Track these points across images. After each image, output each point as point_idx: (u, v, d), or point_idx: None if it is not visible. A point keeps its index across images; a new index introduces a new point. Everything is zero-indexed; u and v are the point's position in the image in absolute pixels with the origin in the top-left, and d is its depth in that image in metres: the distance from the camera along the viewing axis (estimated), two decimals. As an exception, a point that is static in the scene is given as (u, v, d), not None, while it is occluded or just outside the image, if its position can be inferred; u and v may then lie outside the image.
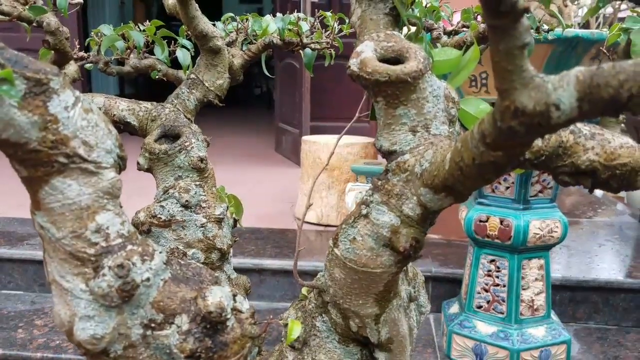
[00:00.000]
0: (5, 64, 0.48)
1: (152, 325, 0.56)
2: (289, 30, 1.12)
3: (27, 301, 2.34)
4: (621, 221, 3.07)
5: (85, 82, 5.92)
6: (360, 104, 0.93)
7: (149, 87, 8.47)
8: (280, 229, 2.80)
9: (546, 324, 1.77)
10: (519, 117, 0.43)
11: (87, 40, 1.18)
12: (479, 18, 1.07)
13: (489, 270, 1.78)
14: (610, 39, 0.87)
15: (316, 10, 1.27)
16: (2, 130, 0.48)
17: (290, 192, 3.48)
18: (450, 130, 0.66)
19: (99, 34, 1.15)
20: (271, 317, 0.88)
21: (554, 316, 1.83)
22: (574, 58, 1.68)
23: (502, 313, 1.76)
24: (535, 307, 1.75)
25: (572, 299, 2.20)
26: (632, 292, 2.17)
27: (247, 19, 1.23)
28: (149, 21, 1.15)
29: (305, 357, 0.74)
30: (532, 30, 1.11)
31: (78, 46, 1.17)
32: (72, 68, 1.05)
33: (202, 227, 0.86)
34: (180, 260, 0.61)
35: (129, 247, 0.55)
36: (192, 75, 1.03)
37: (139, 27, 1.16)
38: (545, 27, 1.07)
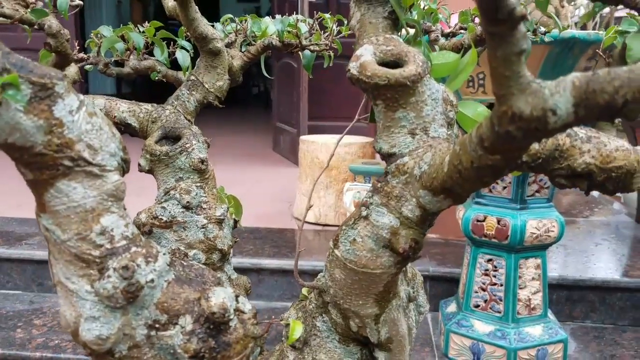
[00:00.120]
0: (11, 68, 0.49)
1: (157, 325, 0.57)
2: (288, 32, 1.13)
3: (26, 301, 2.35)
4: (618, 220, 3.08)
5: (83, 81, 5.91)
6: (359, 106, 0.94)
7: (145, 86, 8.47)
8: (279, 229, 2.81)
9: (543, 323, 1.78)
10: (517, 122, 0.44)
11: (87, 41, 1.19)
12: (477, 20, 1.08)
13: (486, 270, 1.79)
14: (606, 41, 0.88)
15: (315, 11, 1.28)
16: (8, 135, 0.49)
17: (288, 192, 3.49)
18: (449, 132, 0.67)
19: (99, 36, 1.16)
20: (273, 317, 0.89)
21: (550, 315, 1.84)
22: (571, 59, 1.69)
23: (500, 312, 1.77)
24: (532, 306, 1.77)
25: (568, 298, 2.21)
26: (628, 291, 2.18)
27: (245, 20, 1.23)
28: (146, 20, 1.16)
29: (306, 356, 0.75)
30: (529, 33, 1.12)
31: (78, 47, 1.18)
32: (72, 70, 1.05)
33: (203, 228, 0.87)
34: (183, 262, 0.62)
35: (133, 248, 0.56)
36: (192, 77, 1.04)
37: (138, 28, 1.17)
38: (542, 29, 1.08)
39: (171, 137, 0.93)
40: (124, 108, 0.98)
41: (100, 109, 0.97)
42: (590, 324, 2.21)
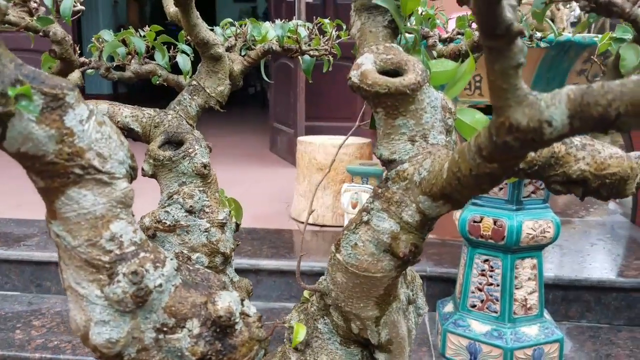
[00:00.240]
0: (24, 80, 0.50)
1: (165, 329, 0.58)
2: (288, 37, 1.15)
3: (24, 302, 2.36)
4: (613, 220, 3.11)
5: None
6: (358, 108, 0.96)
7: (141, 87, 8.46)
8: (277, 229, 2.82)
9: (539, 323, 1.80)
10: (514, 132, 0.46)
11: (89, 46, 1.20)
12: (474, 25, 1.09)
13: (483, 270, 1.81)
14: (601, 47, 0.89)
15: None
16: (21, 144, 0.50)
17: (286, 193, 3.50)
18: (448, 139, 0.69)
19: (100, 40, 1.17)
20: (271, 317, 0.91)
21: (546, 315, 1.86)
22: (567, 61, 1.71)
23: (496, 312, 1.79)
24: (528, 306, 1.79)
25: (564, 297, 2.23)
26: (623, 291, 2.20)
27: (245, 24, 1.25)
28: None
29: (308, 358, 0.76)
30: (524, 38, 1.14)
31: (79, 51, 1.19)
32: (75, 75, 1.07)
33: (205, 231, 0.89)
34: (189, 266, 0.63)
35: (142, 254, 0.57)
36: (194, 82, 1.05)
37: (139, 32, 1.18)
38: (538, 34, 1.10)
39: (174, 141, 0.94)
40: (126, 113, 0.99)
41: (104, 114, 0.98)
42: (586, 323, 2.23)
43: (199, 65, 1.08)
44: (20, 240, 2.56)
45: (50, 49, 0.87)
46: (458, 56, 0.99)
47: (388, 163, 0.69)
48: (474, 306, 1.83)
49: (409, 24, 0.85)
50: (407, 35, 0.79)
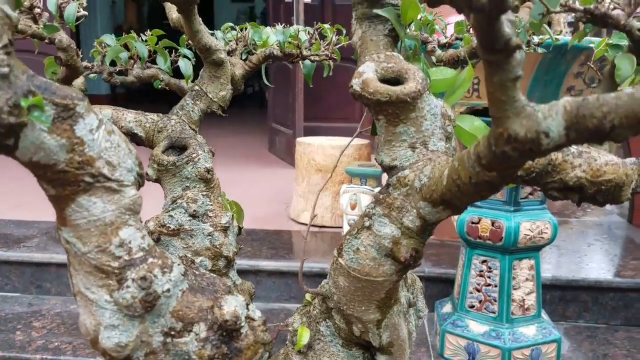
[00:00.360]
0: (36, 91, 0.52)
1: (172, 333, 0.60)
2: (289, 42, 1.16)
3: (25, 303, 2.37)
4: (610, 221, 3.12)
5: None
6: (357, 110, 0.97)
7: (139, 88, 8.46)
8: (276, 230, 2.83)
9: (537, 323, 1.81)
10: (512, 143, 0.47)
11: (92, 51, 1.21)
12: (472, 31, 1.11)
13: (481, 271, 1.83)
14: (597, 53, 0.91)
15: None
16: (33, 154, 0.52)
17: (284, 193, 3.51)
18: (447, 146, 0.71)
19: (103, 44, 1.18)
20: (278, 322, 0.92)
21: (544, 315, 1.88)
22: (564, 64, 1.73)
23: (494, 312, 1.80)
24: (526, 306, 1.80)
25: (562, 298, 2.25)
26: (620, 291, 2.22)
27: (246, 29, 1.26)
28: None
29: (311, 360, 0.78)
30: (522, 45, 1.15)
31: (81, 55, 1.20)
32: (78, 80, 1.08)
33: (209, 235, 0.90)
34: (195, 271, 0.65)
35: (150, 259, 0.59)
36: (196, 87, 1.07)
37: (140, 37, 1.19)
38: (536, 40, 1.12)
39: (177, 146, 0.96)
40: (130, 118, 1.00)
41: (108, 119, 1.00)
42: (583, 323, 2.24)
43: (201, 70, 1.09)
44: (20, 242, 2.56)
45: (55, 56, 0.89)
46: (457, 62, 1.01)
47: (389, 169, 0.71)
48: (472, 306, 1.85)
49: (408, 31, 0.87)
50: (407, 43, 0.80)
